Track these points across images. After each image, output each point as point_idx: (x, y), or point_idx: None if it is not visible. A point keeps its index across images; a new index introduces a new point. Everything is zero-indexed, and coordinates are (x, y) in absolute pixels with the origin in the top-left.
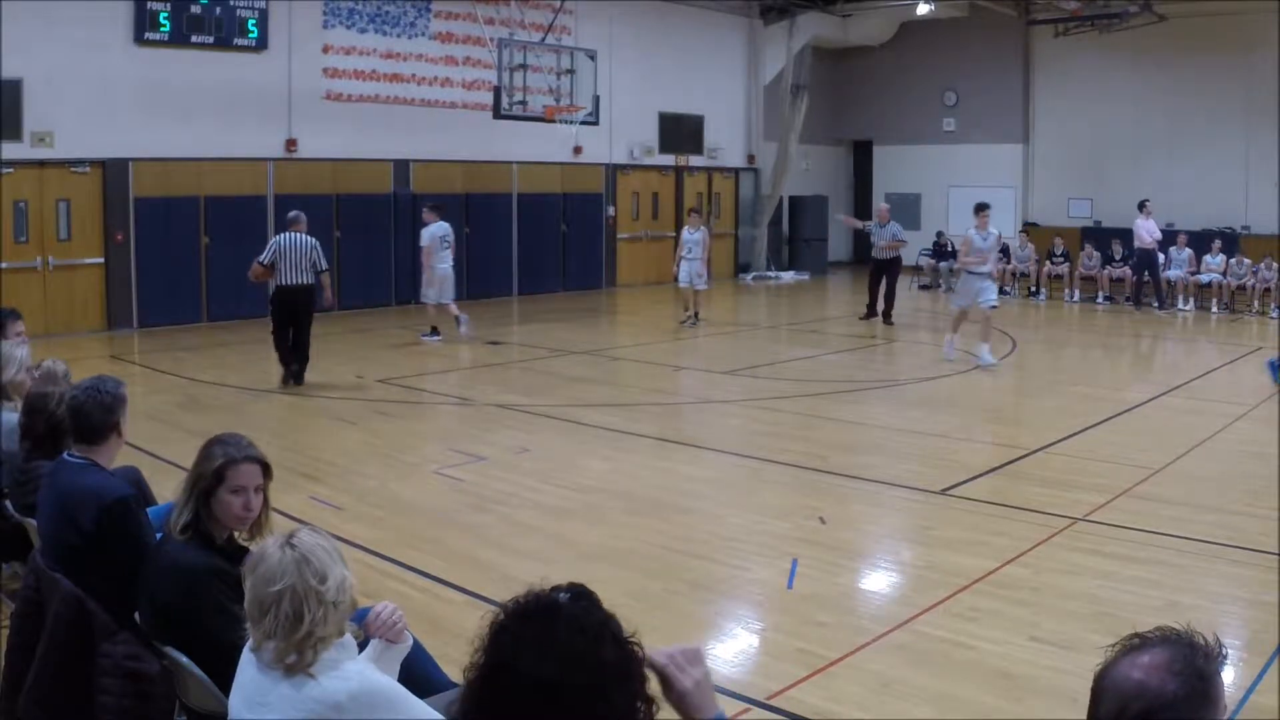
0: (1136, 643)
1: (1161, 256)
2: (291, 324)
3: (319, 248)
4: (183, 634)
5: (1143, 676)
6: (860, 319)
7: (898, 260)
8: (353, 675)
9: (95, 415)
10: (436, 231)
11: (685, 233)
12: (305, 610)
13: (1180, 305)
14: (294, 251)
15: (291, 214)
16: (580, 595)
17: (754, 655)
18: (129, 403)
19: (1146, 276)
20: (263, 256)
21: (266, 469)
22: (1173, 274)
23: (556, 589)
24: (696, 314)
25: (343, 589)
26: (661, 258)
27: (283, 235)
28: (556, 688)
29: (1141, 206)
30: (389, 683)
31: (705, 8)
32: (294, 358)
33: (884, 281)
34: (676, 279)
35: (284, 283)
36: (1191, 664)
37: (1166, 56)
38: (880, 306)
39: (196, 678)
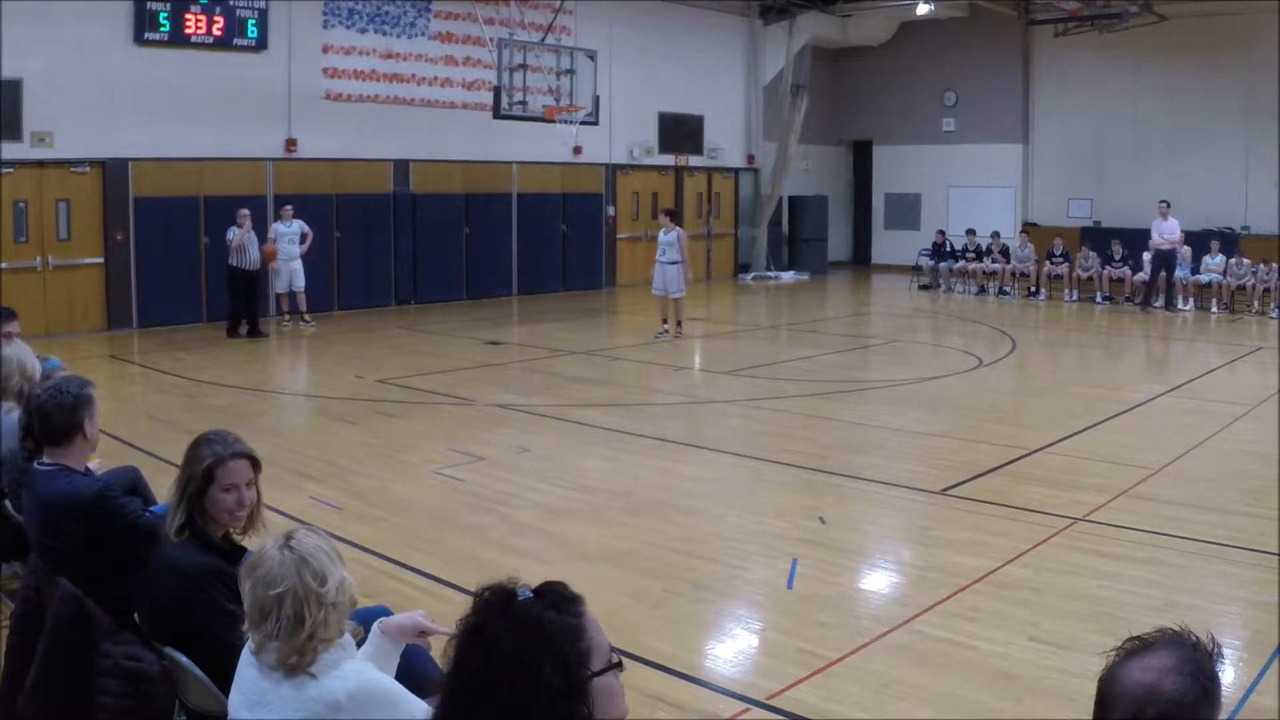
0: (1138, 645)
1: (1180, 254)
2: (246, 296)
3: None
4: (182, 635)
5: (1155, 679)
6: None
7: None
8: (351, 675)
9: (57, 416)
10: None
11: (660, 235)
12: (306, 613)
13: (1180, 305)
14: (249, 243)
15: (242, 211)
16: (549, 591)
17: (754, 655)
18: (96, 403)
19: (1159, 276)
20: (230, 240)
21: (255, 463)
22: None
23: (505, 585)
24: (679, 323)
25: (342, 589)
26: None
27: (234, 230)
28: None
29: (1160, 207)
30: (388, 682)
31: (705, 8)
32: (245, 321)
33: None
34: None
35: (239, 264)
36: (1199, 664)
37: (1166, 56)
38: None
39: (196, 678)
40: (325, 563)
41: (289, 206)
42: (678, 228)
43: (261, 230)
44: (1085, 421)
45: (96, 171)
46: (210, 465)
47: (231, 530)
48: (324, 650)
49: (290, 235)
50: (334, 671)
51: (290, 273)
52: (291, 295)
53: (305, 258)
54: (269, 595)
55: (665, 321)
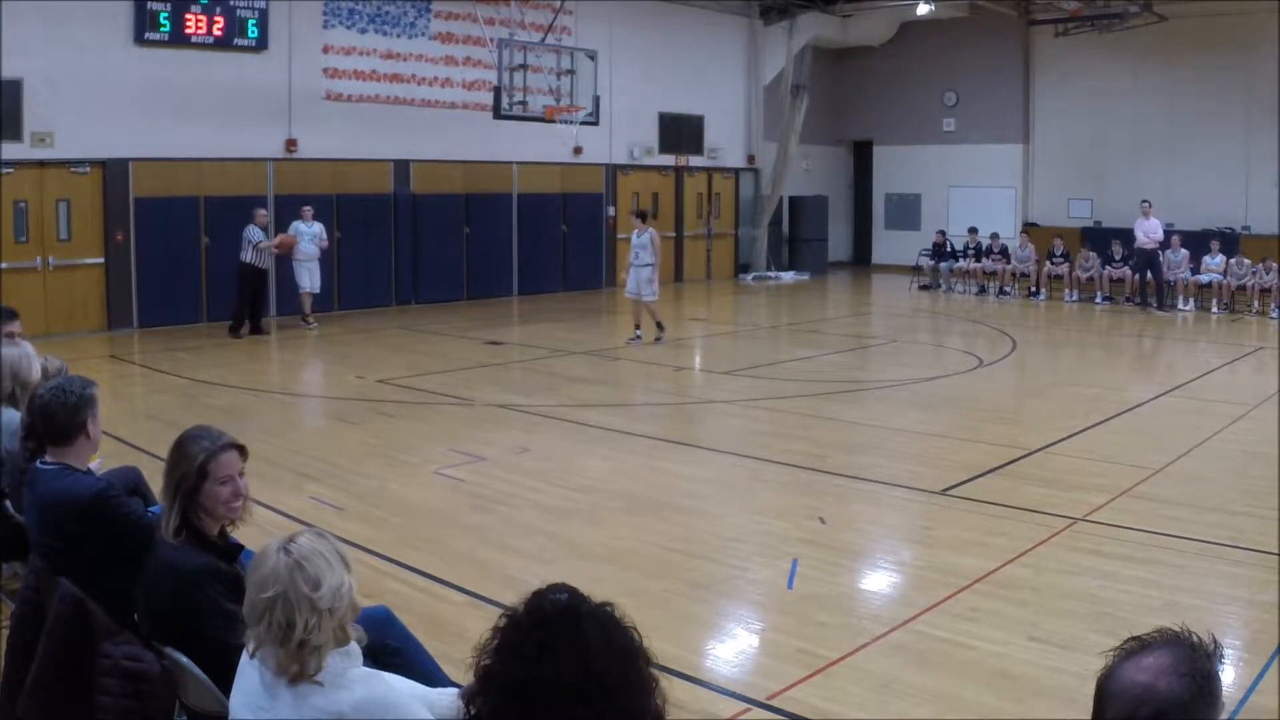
0: (1136, 645)
1: (1162, 255)
2: (253, 292)
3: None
4: (181, 635)
5: (1150, 679)
6: None
7: None
8: (358, 685)
9: (60, 415)
10: None
11: (633, 236)
12: (297, 617)
13: (1180, 305)
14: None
15: (260, 210)
16: (575, 593)
17: (754, 655)
18: (99, 403)
19: (1149, 276)
20: (259, 242)
21: (243, 452)
22: (1172, 274)
23: (546, 593)
24: (659, 325)
25: (339, 595)
26: (661, 258)
27: (251, 227)
28: (600, 683)
29: (1142, 206)
30: (395, 693)
31: (705, 8)
32: (251, 318)
33: None
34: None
35: (254, 261)
36: (1195, 664)
37: (1166, 56)
38: None
39: (196, 678)
40: (322, 567)
41: (309, 207)
42: (650, 229)
43: (267, 232)
44: (1085, 421)
45: (96, 171)
46: (203, 461)
47: (227, 523)
48: (323, 656)
49: (311, 235)
50: (339, 680)
51: (308, 272)
52: (301, 295)
53: None
54: (261, 598)
55: (638, 326)
